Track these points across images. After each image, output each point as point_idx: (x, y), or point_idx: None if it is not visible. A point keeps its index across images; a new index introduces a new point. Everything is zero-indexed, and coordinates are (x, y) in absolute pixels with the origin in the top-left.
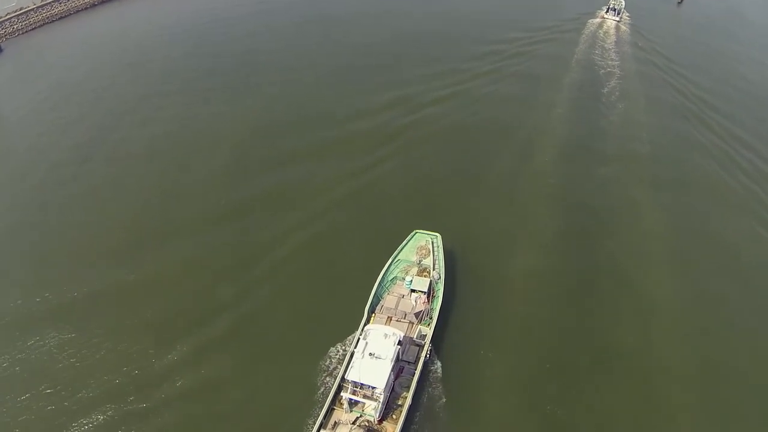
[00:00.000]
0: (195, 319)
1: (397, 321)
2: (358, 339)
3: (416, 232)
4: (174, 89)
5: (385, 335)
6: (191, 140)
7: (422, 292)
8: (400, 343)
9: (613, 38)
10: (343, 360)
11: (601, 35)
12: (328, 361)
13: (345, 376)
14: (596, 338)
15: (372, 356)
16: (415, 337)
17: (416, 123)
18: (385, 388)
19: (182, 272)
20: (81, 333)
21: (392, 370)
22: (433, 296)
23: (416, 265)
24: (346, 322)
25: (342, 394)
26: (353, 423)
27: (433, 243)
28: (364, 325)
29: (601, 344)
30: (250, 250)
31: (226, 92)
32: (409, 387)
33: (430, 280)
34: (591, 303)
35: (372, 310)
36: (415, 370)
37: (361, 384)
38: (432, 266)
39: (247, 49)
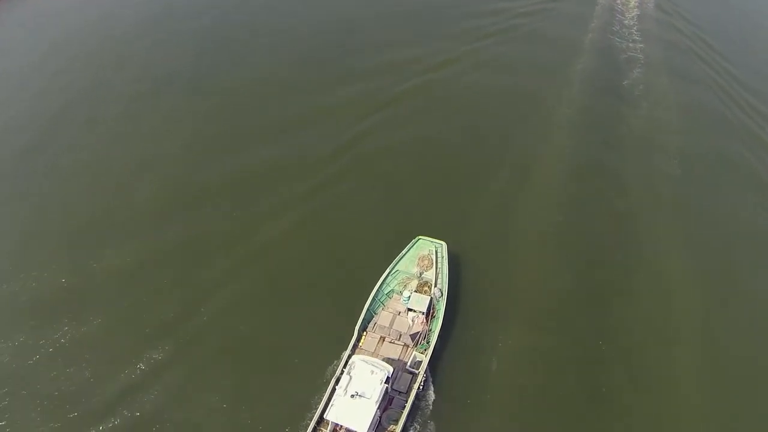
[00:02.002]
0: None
1: (390, 342)
2: (342, 372)
3: (419, 239)
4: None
5: (372, 371)
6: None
7: (421, 312)
8: (388, 380)
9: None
10: (326, 387)
11: None
12: (306, 394)
13: (324, 415)
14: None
15: (355, 396)
16: (408, 363)
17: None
18: (368, 430)
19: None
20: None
21: (378, 409)
22: (433, 316)
23: (416, 278)
24: (328, 344)
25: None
26: None
27: (437, 252)
28: (354, 344)
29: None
30: (205, 252)
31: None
32: (397, 421)
33: (431, 298)
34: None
35: (364, 327)
36: (406, 402)
37: (341, 426)
38: (434, 281)
39: None
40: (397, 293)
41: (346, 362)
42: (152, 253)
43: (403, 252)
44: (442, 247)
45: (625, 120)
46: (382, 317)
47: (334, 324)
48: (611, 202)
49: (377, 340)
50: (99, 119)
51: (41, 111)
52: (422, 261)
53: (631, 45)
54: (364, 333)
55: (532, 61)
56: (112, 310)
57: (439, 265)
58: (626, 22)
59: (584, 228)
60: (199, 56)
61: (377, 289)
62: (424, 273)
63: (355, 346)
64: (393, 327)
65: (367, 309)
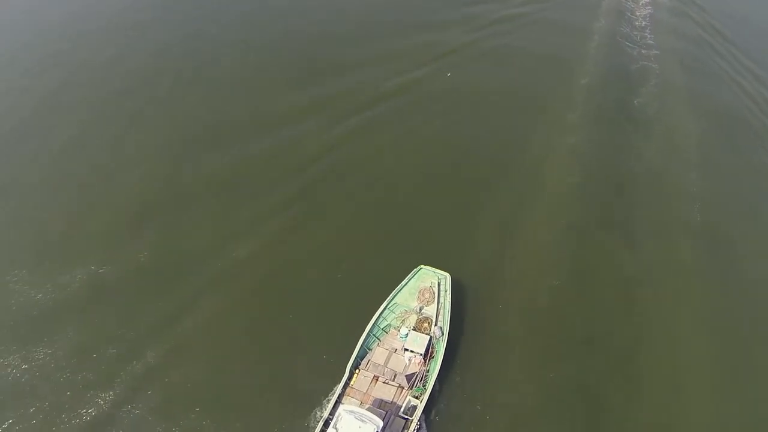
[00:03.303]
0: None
1: (384, 383)
2: (329, 417)
3: (421, 268)
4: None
5: (359, 426)
6: None
7: (419, 353)
8: None
9: None
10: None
11: None
12: None
13: None
14: None
15: None
16: (402, 407)
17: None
18: None
19: None
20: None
21: None
22: (432, 357)
23: (416, 313)
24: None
25: None
26: None
27: (439, 285)
28: (345, 382)
29: None
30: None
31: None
32: None
33: (430, 337)
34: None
35: (356, 365)
36: None
37: None
38: (434, 318)
39: None
40: (395, 328)
41: (336, 404)
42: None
43: (403, 283)
44: (446, 279)
45: (636, 151)
46: (377, 354)
47: (323, 359)
48: (617, 261)
49: (370, 380)
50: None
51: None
52: (423, 294)
53: (644, 52)
54: (357, 370)
55: (528, 74)
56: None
57: (442, 299)
58: (637, 22)
59: (583, 298)
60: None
61: (373, 324)
62: (425, 308)
63: (346, 385)
64: (388, 366)
65: (361, 345)
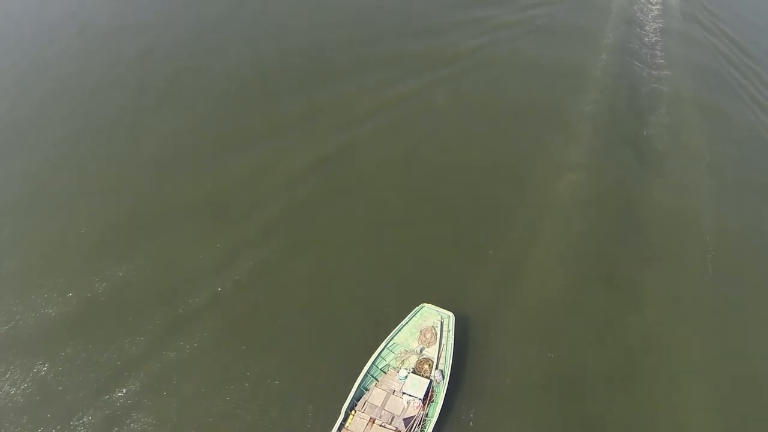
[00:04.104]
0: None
1: (380, 426)
2: None
3: (423, 306)
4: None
5: None
6: None
7: (418, 398)
8: None
9: None
10: None
11: None
12: None
13: None
14: None
15: None
16: None
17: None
18: None
19: None
20: None
21: None
22: (431, 401)
23: (416, 354)
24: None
25: None
26: None
27: (442, 325)
28: (340, 425)
29: None
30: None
31: None
32: None
33: (430, 381)
34: None
35: (352, 406)
36: None
37: None
38: (435, 361)
39: None
40: (394, 368)
41: None
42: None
43: (404, 321)
44: (449, 319)
45: (644, 191)
46: (374, 395)
47: (318, 398)
48: (620, 327)
49: (366, 422)
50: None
51: None
52: (424, 334)
53: (654, 73)
54: (353, 412)
55: (525, 99)
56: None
57: (444, 340)
58: (647, 38)
59: (581, 373)
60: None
61: (371, 364)
62: (426, 349)
63: (341, 427)
64: (385, 408)
65: (358, 386)
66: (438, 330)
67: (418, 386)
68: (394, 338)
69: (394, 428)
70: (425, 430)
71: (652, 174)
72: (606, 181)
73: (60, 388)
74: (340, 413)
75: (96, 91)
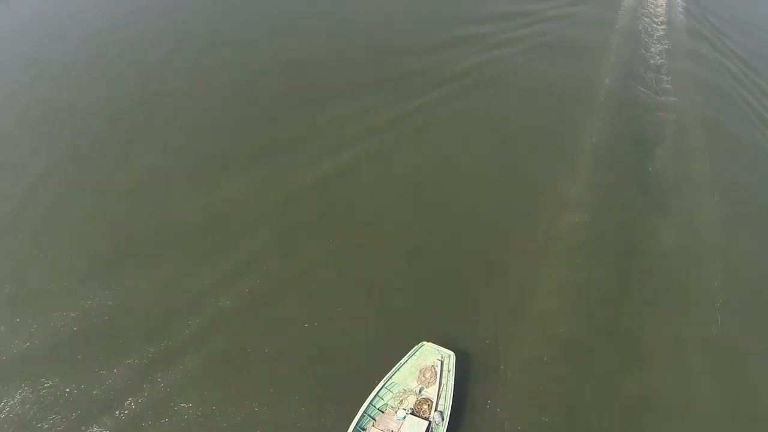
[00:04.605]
0: None
1: None
2: None
3: (423, 345)
4: None
5: None
6: None
7: None
8: None
9: None
10: None
11: None
12: None
13: None
14: None
15: None
16: None
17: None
18: None
19: None
20: None
21: None
22: None
23: (415, 394)
24: None
25: None
26: None
27: (442, 365)
28: None
29: None
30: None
31: None
32: None
33: (429, 422)
34: None
35: None
36: None
37: None
38: (435, 402)
39: None
40: (392, 408)
41: None
42: None
43: (403, 360)
44: (450, 358)
45: (649, 232)
46: None
47: None
48: (621, 380)
49: None
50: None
51: None
52: (424, 374)
53: (659, 99)
54: None
55: (524, 127)
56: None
57: (444, 380)
58: (652, 60)
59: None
60: None
61: (368, 404)
62: (425, 389)
63: None
64: None
65: (355, 426)
66: (438, 370)
67: (416, 427)
68: (393, 377)
69: None
70: None
71: (657, 213)
72: (609, 222)
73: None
74: None
75: (88, 112)
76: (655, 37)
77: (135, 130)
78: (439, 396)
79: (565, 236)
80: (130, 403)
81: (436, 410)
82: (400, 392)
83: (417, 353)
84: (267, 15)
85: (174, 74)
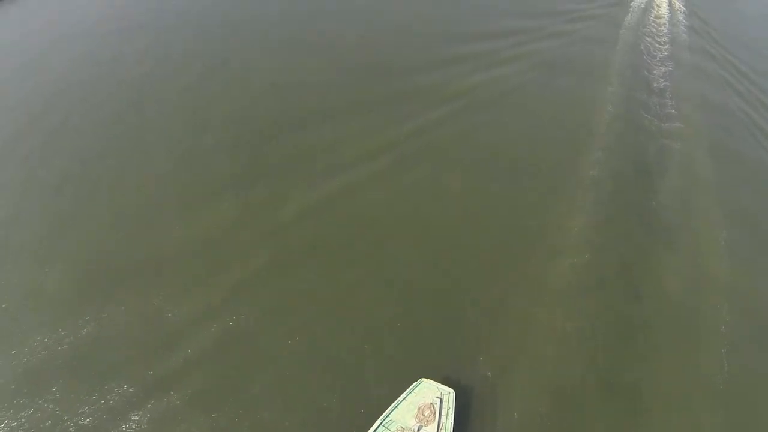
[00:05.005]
0: None
1: None
2: None
3: (422, 381)
4: None
5: None
6: None
7: None
8: None
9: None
10: None
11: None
12: None
13: None
14: None
15: None
16: None
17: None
18: None
19: None
20: None
21: None
22: None
23: None
24: None
25: None
26: None
27: (441, 402)
28: None
29: None
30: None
31: None
32: None
33: None
34: None
35: None
36: None
37: None
38: None
39: None
40: None
41: None
42: None
43: (401, 397)
44: (449, 396)
45: (652, 275)
46: None
47: None
48: None
49: None
50: None
51: None
52: (422, 412)
53: (663, 126)
54: None
55: (520, 157)
56: None
57: (443, 419)
58: (656, 83)
59: None
60: None
61: None
62: (424, 428)
63: None
64: None
65: None
66: (437, 407)
67: None
68: (390, 415)
69: None
70: None
71: (661, 252)
72: (609, 263)
73: None
74: None
75: (77, 131)
76: (658, 59)
77: (120, 155)
78: None
79: (565, 278)
80: None
81: None
82: (397, 430)
83: (415, 390)
84: (256, 34)
85: (157, 94)
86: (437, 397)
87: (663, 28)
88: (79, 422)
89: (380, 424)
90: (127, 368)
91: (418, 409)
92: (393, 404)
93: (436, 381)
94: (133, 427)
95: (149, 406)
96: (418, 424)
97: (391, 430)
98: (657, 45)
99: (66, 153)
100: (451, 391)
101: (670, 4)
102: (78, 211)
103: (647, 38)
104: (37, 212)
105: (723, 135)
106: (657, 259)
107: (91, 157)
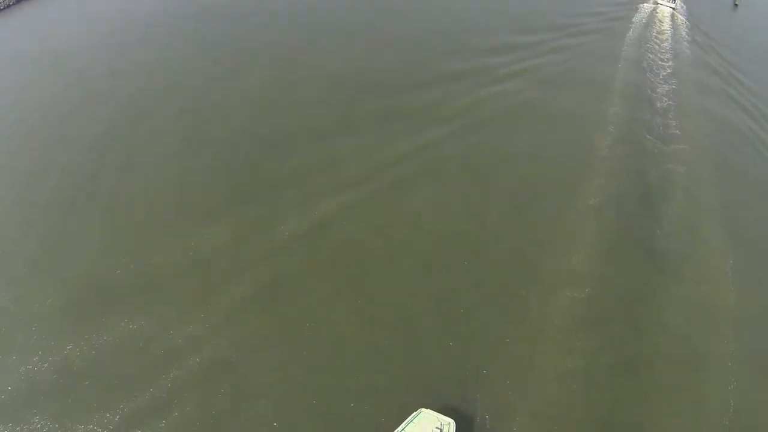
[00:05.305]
0: None
1: None
2: None
3: (421, 412)
4: None
5: None
6: None
7: None
8: None
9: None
10: None
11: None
12: None
13: None
14: None
15: None
16: None
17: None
18: None
19: None
20: None
21: None
22: None
23: None
24: None
25: None
26: None
27: None
28: None
29: None
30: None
31: None
32: None
33: None
34: None
35: None
36: None
37: None
38: None
39: None
40: None
41: None
42: None
43: (401, 427)
44: (449, 426)
45: (655, 309)
46: None
47: None
48: None
49: None
50: None
51: None
52: None
53: (667, 149)
54: None
55: (522, 184)
56: None
57: None
58: (659, 103)
59: None
60: None
61: None
62: None
63: None
64: None
65: None
66: None
67: None
68: None
69: None
70: None
71: (664, 284)
72: (611, 297)
73: None
74: None
75: (70, 160)
76: (661, 76)
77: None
78: None
79: (565, 313)
80: None
81: None
82: None
83: (415, 420)
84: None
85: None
86: (437, 428)
87: (666, 44)
88: None
89: None
90: (110, 397)
91: None
92: None
93: (436, 411)
94: None
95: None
96: None
97: None
98: (660, 62)
99: (56, 171)
100: (452, 421)
101: (673, 19)
102: (67, 234)
103: (650, 55)
104: (25, 232)
105: (728, 154)
106: (660, 290)
107: (83, 178)
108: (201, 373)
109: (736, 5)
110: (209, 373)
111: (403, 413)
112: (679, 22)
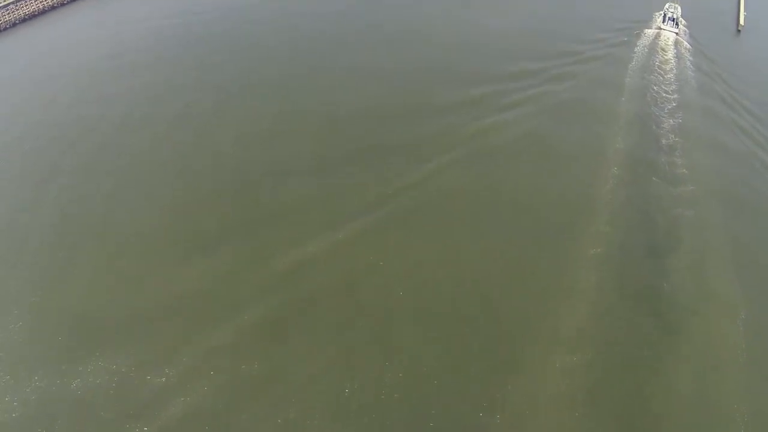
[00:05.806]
0: None
1: None
2: None
3: None
4: None
5: None
6: None
7: None
8: None
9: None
10: None
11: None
12: None
13: None
14: None
15: None
16: None
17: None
18: None
19: None
20: None
21: None
22: None
23: None
24: None
25: None
26: None
27: None
28: None
29: None
30: None
31: None
32: None
33: None
34: None
35: None
36: None
37: None
38: None
39: None
40: None
41: None
42: None
43: None
44: None
45: (662, 376)
46: None
47: None
48: None
49: None
50: None
51: None
52: None
53: (674, 191)
54: None
55: (520, 236)
56: None
57: None
58: (665, 139)
59: None
60: None
61: None
62: None
63: None
64: None
65: None
66: None
67: None
68: None
69: None
70: None
71: (671, 346)
72: (613, 361)
73: None
74: None
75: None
76: (666, 110)
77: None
78: None
79: (565, 379)
80: None
81: None
82: None
83: None
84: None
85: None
86: None
87: (670, 75)
88: None
89: None
90: None
91: None
92: None
93: None
94: None
95: None
96: None
97: None
98: (665, 94)
99: (49, 204)
100: None
101: (677, 46)
102: (57, 269)
103: (654, 87)
104: (16, 266)
105: (738, 190)
106: (665, 353)
107: (73, 210)
108: (195, 409)
109: (739, 31)
110: (200, 412)
111: None
112: (683, 49)
